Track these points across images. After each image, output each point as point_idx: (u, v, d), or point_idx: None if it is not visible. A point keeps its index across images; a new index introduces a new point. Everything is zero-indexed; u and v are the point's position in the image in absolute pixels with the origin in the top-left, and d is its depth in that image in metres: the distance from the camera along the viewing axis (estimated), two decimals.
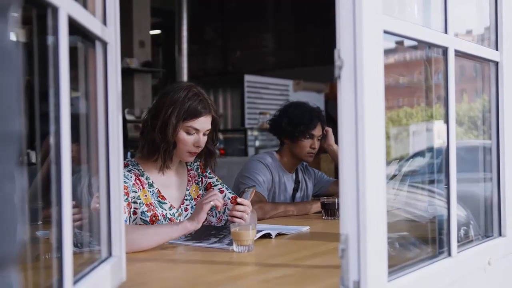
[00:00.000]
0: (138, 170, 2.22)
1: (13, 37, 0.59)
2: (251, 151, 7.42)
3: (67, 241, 1.02)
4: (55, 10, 0.99)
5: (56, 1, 0.98)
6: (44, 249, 1.39)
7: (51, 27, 1.01)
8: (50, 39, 1.02)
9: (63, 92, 1.01)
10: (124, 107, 1.59)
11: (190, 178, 2.39)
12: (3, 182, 0.57)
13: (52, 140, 1.01)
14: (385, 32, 1.25)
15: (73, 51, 1.08)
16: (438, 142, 1.94)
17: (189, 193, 2.36)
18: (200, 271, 1.68)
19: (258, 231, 2.05)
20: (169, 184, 2.30)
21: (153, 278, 1.61)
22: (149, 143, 2.21)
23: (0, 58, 0.56)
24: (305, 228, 2.37)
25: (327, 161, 6.61)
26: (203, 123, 2.21)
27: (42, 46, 1.04)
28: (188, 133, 2.20)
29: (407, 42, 1.55)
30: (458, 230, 1.62)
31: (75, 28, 1.11)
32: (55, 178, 1.00)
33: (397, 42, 1.48)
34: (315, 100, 6.67)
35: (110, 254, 1.37)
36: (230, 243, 1.92)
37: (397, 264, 1.35)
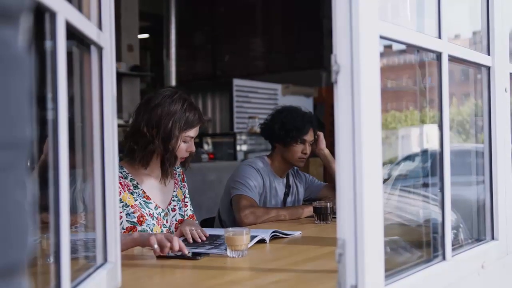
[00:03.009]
0: (121, 173, 2.25)
1: (23, 43, 0.59)
2: (240, 155, 7.41)
3: (65, 247, 1.01)
4: (53, 15, 0.99)
5: (54, 6, 0.97)
6: (38, 255, 1.38)
7: (48, 32, 1.00)
8: (47, 44, 1.01)
9: (60, 97, 1.00)
10: None
11: (176, 181, 2.47)
12: (15, 189, 0.56)
13: (49, 145, 1.00)
14: (381, 37, 1.26)
15: (67, 56, 1.08)
16: (428, 146, 1.96)
17: (176, 195, 2.44)
18: (194, 276, 1.68)
19: (252, 237, 2.05)
20: (155, 186, 2.36)
21: (148, 284, 1.60)
22: (149, 154, 2.26)
23: (12, 64, 0.56)
24: (298, 233, 2.37)
25: (315, 165, 6.62)
26: (197, 130, 2.34)
27: (39, 51, 1.03)
28: (185, 141, 2.30)
29: (395, 46, 1.55)
30: None
31: (71, 32, 1.11)
32: (53, 183, 1.00)
33: (385, 46, 1.49)
34: (304, 104, 6.67)
35: (105, 260, 1.36)
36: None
37: (393, 268, 1.35)
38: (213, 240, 2.14)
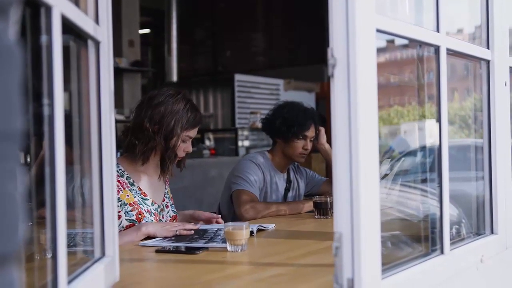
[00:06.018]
0: (118, 171, 2.27)
1: (13, 35, 0.59)
2: (241, 151, 7.42)
3: (61, 241, 1.01)
4: (48, 9, 0.99)
5: (49, 0, 0.97)
6: (35, 250, 1.38)
7: (44, 26, 1.00)
8: (43, 38, 1.01)
9: (56, 92, 1.00)
10: None
11: (167, 180, 2.51)
12: (5, 180, 0.57)
13: (45, 141, 1.00)
14: (378, 30, 1.25)
15: (64, 51, 1.08)
16: (430, 141, 1.96)
17: (167, 192, 2.49)
18: (193, 271, 1.68)
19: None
20: (149, 183, 2.39)
21: (146, 278, 1.61)
22: (150, 150, 2.29)
23: (1, 57, 0.56)
24: (271, 226, 2.40)
25: (318, 160, 6.63)
26: (196, 131, 2.39)
27: (35, 45, 1.03)
28: (183, 141, 2.34)
29: (398, 41, 1.55)
30: (450, 228, 1.62)
31: (67, 27, 1.10)
32: (49, 178, 1.00)
33: (388, 41, 1.48)
34: (306, 99, 6.67)
35: (103, 254, 1.37)
36: (224, 241, 1.92)
37: (391, 262, 1.35)
38: (202, 234, 2.14)
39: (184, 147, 2.34)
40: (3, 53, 0.57)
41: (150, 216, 2.29)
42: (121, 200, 2.23)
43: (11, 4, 0.58)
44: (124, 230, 2.19)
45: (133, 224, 2.22)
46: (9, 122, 0.58)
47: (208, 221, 2.44)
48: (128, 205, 2.24)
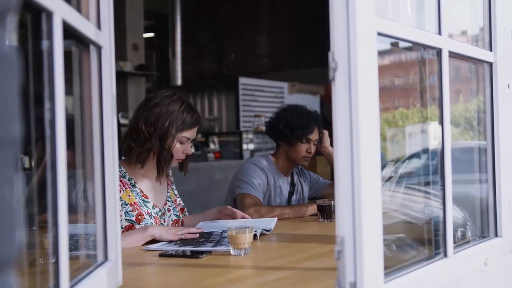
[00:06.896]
0: (120, 172, 2.27)
1: (11, 42, 0.60)
2: (246, 154, 7.41)
3: (63, 246, 1.01)
4: (49, 14, 0.99)
5: (50, 6, 0.98)
6: (39, 254, 1.39)
7: (45, 32, 1.00)
8: (44, 44, 1.01)
9: (58, 96, 1.01)
10: (117, 111, 1.62)
11: (169, 183, 2.52)
12: (3, 186, 0.57)
13: (47, 145, 1.01)
14: (379, 34, 1.25)
15: (67, 55, 1.08)
16: (434, 143, 1.95)
17: (169, 195, 2.48)
18: (196, 275, 1.68)
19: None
20: (151, 186, 2.39)
21: (149, 282, 1.61)
22: (146, 151, 2.29)
23: (0, 64, 0.56)
24: (273, 220, 2.43)
25: (323, 163, 6.61)
26: (195, 132, 2.37)
27: (36, 50, 1.04)
28: (181, 142, 2.33)
29: (402, 44, 1.55)
30: (455, 231, 1.62)
31: (69, 32, 1.11)
32: (51, 183, 1.00)
33: (392, 44, 1.48)
34: (310, 102, 6.67)
35: (106, 258, 1.37)
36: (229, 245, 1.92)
37: (393, 265, 1.35)
38: (208, 238, 2.14)
39: (182, 149, 2.33)
40: (1, 60, 0.57)
41: (150, 218, 2.29)
42: (122, 200, 2.23)
43: (8, 10, 0.58)
44: (124, 231, 2.19)
45: (132, 225, 2.22)
46: (7, 129, 0.58)
47: (232, 217, 2.48)
48: (129, 205, 2.25)
